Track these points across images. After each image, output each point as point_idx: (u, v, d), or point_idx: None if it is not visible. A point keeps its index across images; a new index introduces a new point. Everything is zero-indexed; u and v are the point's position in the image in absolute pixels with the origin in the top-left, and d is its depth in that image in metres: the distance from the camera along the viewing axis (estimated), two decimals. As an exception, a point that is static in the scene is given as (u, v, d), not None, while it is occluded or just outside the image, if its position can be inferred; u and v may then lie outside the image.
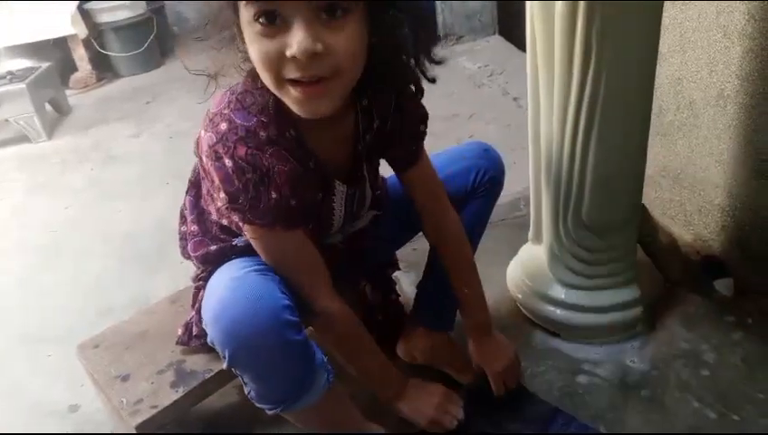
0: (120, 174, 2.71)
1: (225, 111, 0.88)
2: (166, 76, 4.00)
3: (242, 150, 0.86)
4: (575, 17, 1.07)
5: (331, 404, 1.03)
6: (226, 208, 0.91)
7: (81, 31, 3.83)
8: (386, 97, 1.00)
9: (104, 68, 4.08)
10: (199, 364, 1.15)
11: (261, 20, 0.76)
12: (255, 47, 0.78)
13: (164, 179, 2.47)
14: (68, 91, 3.78)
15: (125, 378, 1.15)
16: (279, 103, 0.87)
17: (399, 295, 1.43)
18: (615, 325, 1.36)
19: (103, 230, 2.24)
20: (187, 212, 1.13)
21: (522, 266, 1.49)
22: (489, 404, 1.22)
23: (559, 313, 1.38)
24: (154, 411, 1.08)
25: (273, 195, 0.89)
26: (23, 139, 3.20)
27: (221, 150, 0.86)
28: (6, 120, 3.15)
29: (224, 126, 0.86)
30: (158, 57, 4.19)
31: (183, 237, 1.16)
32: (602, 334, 1.36)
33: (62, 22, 3.73)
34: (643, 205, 1.37)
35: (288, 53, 0.75)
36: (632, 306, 1.35)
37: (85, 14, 3.87)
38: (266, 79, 0.81)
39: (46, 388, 1.52)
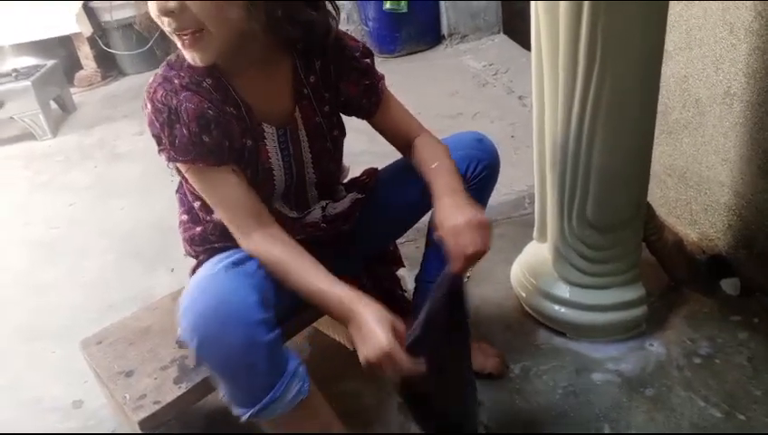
0: (124, 172, 2.71)
1: (157, 72, 0.99)
2: (170, 74, 4.00)
3: (159, 93, 0.95)
4: (580, 16, 1.07)
5: (306, 415, 1.00)
6: (159, 153, 0.98)
7: (87, 29, 3.84)
8: (322, 38, 1.03)
9: (109, 66, 4.09)
10: (202, 361, 1.15)
11: None
12: (149, 7, 0.91)
13: (168, 177, 2.45)
14: (73, 89, 3.79)
15: (128, 374, 1.15)
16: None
17: (406, 291, 1.43)
18: (619, 324, 1.35)
19: (106, 227, 2.24)
20: (177, 205, 1.18)
21: (526, 265, 1.48)
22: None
23: (563, 311, 1.37)
24: (157, 407, 1.08)
25: (184, 131, 0.94)
26: (28, 136, 3.21)
27: (146, 98, 0.97)
28: (12, 118, 3.16)
29: (150, 80, 0.98)
30: (162, 55, 4.18)
31: (180, 229, 1.19)
32: (607, 333, 1.36)
33: (68, 20, 3.75)
34: (648, 203, 1.36)
35: (163, 14, 0.88)
36: (637, 305, 1.35)
37: (90, 13, 3.88)
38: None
39: (50, 384, 1.52)
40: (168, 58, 1.00)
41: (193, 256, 1.17)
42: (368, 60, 1.10)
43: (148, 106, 0.96)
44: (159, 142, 0.98)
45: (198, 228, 1.12)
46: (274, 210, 1.11)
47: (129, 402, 1.09)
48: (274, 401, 0.93)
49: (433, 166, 1.09)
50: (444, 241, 0.99)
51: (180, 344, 1.17)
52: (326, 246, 1.13)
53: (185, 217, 1.16)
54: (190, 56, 0.92)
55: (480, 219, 0.98)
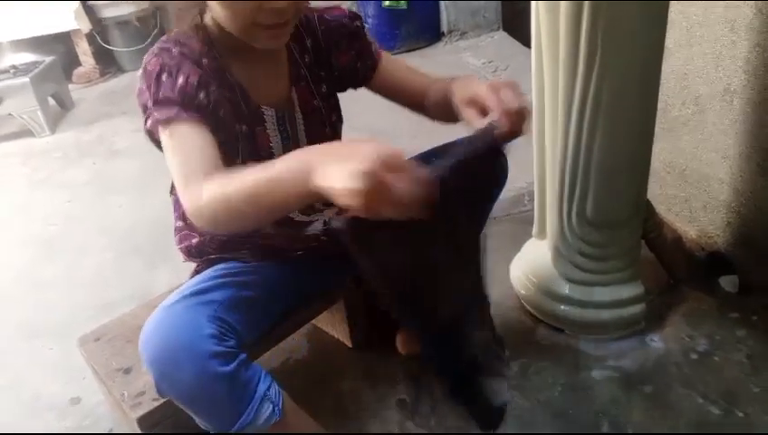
0: (122, 168, 2.71)
1: (152, 48, 0.92)
2: (169, 71, 4.00)
3: (154, 60, 0.89)
4: (580, 14, 1.07)
5: (283, 432, 0.98)
6: (144, 124, 0.90)
7: (85, 26, 3.83)
8: (306, 14, 1.04)
9: (107, 63, 4.08)
10: (201, 358, 1.14)
11: None
12: (229, 4, 0.86)
13: (166, 173, 2.46)
14: (71, 86, 3.78)
15: (126, 371, 1.15)
16: (201, 37, 0.93)
17: None
18: (618, 321, 1.35)
19: (104, 224, 2.24)
20: (172, 210, 1.14)
21: (525, 262, 1.48)
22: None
23: (563, 308, 1.37)
24: (155, 404, 1.07)
25: (180, 80, 0.87)
26: (26, 133, 3.20)
27: (140, 72, 0.90)
28: (10, 115, 3.15)
29: (146, 56, 0.91)
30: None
31: (174, 233, 1.16)
32: (606, 330, 1.36)
33: (66, 16, 3.74)
34: (648, 201, 1.36)
35: (276, 7, 0.85)
36: (636, 302, 1.35)
37: (89, 9, 3.87)
38: (235, 26, 0.89)
39: (47, 381, 1.51)
40: (162, 38, 0.95)
41: (185, 259, 1.15)
42: (356, 23, 1.07)
43: (140, 74, 0.90)
44: (145, 109, 0.89)
45: (195, 239, 1.09)
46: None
47: (127, 400, 1.09)
48: (245, 427, 0.91)
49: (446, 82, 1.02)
50: (485, 103, 0.86)
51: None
52: (326, 257, 1.12)
53: (180, 223, 1.12)
54: (274, 42, 0.92)
55: (514, 81, 0.90)
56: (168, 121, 0.86)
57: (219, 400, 0.90)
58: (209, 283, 0.97)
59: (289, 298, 1.14)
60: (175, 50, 0.90)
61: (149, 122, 0.89)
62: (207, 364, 0.86)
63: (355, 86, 1.12)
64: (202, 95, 0.89)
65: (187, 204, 0.84)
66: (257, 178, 0.77)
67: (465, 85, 0.93)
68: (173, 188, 1.11)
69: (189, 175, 0.84)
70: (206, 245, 1.07)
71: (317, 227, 1.12)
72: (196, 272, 1.11)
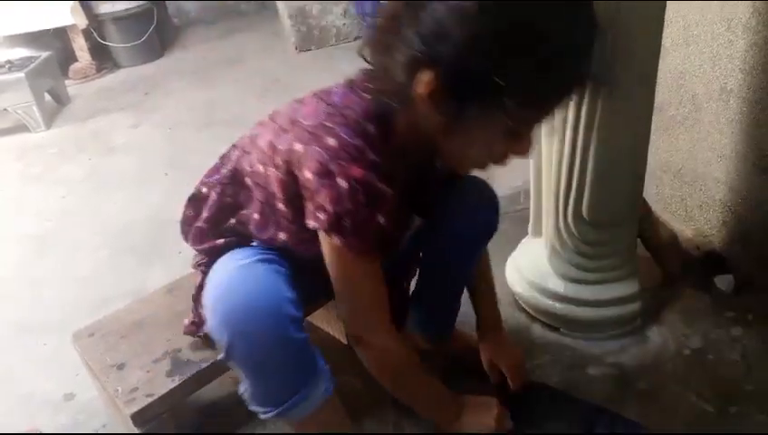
0: (118, 164, 2.70)
1: (329, 125, 0.83)
2: (165, 67, 3.99)
3: (357, 171, 0.81)
4: (578, 10, 1.06)
5: (327, 415, 0.98)
6: (325, 228, 0.84)
7: (81, 21, 3.82)
8: None
9: (104, 58, 4.07)
10: (195, 353, 1.14)
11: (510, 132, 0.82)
12: (488, 145, 0.84)
13: (162, 170, 2.46)
14: (67, 82, 3.77)
15: (120, 366, 1.15)
16: (377, 129, 0.85)
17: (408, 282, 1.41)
18: (614, 320, 1.35)
19: (100, 220, 2.23)
20: (206, 205, 1.04)
21: (521, 260, 1.48)
22: (524, 407, 1.20)
23: (558, 306, 1.37)
24: (149, 400, 1.07)
25: (381, 220, 0.84)
26: (21, 128, 3.18)
27: (334, 168, 0.81)
28: (5, 110, 3.13)
29: (332, 142, 0.82)
30: (157, 48, 4.17)
31: (187, 223, 1.09)
32: (601, 329, 1.36)
33: (63, 12, 3.73)
34: (644, 199, 1.36)
35: (523, 157, 0.87)
36: (631, 301, 1.35)
37: (85, 5, 3.86)
38: (463, 161, 0.91)
39: (41, 377, 1.51)
40: (334, 104, 0.86)
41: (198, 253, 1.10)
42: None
43: (341, 183, 0.81)
44: (338, 222, 0.83)
45: (221, 241, 1.03)
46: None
47: (120, 395, 1.08)
48: (305, 399, 0.90)
49: (483, 286, 1.26)
50: (493, 374, 1.25)
51: (189, 333, 1.14)
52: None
53: (205, 225, 1.04)
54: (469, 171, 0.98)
55: (518, 363, 1.25)
56: (360, 253, 0.87)
57: (290, 366, 0.89)
58: (265, 255, 0.93)
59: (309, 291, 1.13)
60: (371, 156, 0.83)
61: (337, 239, 0.85)
62: (288, 328, 0.85)
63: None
64: (391, 230, 0.87)
65: (371, 342, 0.97)
66: (433, 398, 1.09)
67: (488, 348, 1.26)
68: (224, 187, 1.02)
69: (370, 322, 0.96)
70: (232, 245, 1.02)
71: None
72: (206, 259, 1.05)
